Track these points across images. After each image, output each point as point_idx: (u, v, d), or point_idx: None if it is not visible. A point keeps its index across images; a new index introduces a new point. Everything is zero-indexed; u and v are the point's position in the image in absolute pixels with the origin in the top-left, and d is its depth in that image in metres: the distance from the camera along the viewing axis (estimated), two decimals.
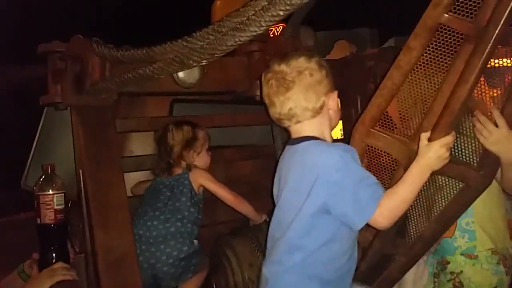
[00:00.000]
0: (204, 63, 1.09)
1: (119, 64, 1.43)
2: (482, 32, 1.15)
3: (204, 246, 1.87)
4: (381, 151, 1.36)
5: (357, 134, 1.38)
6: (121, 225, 1.54)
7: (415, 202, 1.39)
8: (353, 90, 2.07)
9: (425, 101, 1.28)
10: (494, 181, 1.37)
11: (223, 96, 2.13)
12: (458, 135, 1.30)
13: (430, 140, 1.22)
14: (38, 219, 1.47)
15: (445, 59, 1.23)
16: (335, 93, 1.27)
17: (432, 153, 1.19)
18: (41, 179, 1.49)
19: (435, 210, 1.38)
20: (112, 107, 1.65)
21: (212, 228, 2.07)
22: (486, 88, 1.26)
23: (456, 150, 1.31)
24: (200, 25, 1.06)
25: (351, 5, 6.65)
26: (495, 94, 1.29)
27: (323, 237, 1.18)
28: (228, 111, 2.27)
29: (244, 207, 1.86)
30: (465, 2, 1.18)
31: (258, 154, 2.27)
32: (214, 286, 1.94)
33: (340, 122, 2.01)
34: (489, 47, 1.13)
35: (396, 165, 1.35)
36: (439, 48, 1.23)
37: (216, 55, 1.03)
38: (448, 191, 1.35)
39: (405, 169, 1.23)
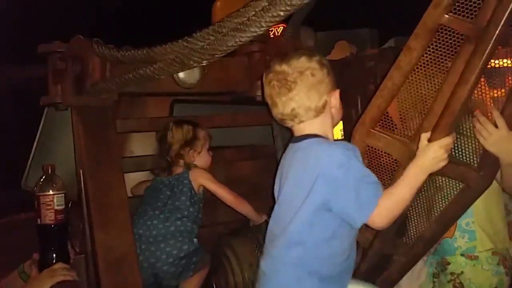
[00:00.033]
0: (204, 64, 1.10)
1: (120, 65, 1.43)
2: (482, 32, 1.15)
3: (204, 247, 1.87)
4: (381, 151, 1.36)
5: (357, 135, 1.39)
6: (121, 225, 1.54)
7: (416, 203, 1.39)
8: (353, 91, 2.07)
9: (425, 101, 1.28)
10: (494, 181, 1.37)
11: (224, 97, 2.13)
12: (458, 136, 1.30)
13: (430, 140, 1.22)
14: (39, 220, 1.47)
15: (446, 59, 1.23)
16: (337, 91, 1.27)
17: (431, 153, 1.19)
18: (42, 180, 1.49)
19: (435, 211, 1.38)
20: (112, 108, 1.65)
21: (212, 229, 2.07)
22: (486, 88, 1.26)
23: (456, 151, 1.31)
24: (200, 26, 1.07)
25: (351, 6, 6.66)
26: (495, 95, 1.29)
27: (324, 233, 1.18)
28: (229, 112, 2.27)
29: (244, 208, 1.86)
30: (465, 2, 1.18)
31: (258, 154, 2.27)
32: (214, 286, 1.94)
33: (340, 122, 2.01)
34: (489, 47, 1.13)
35: (396, 166, 1.35)
36: (439, 49, 1.23)
37: (216, 55, 1.03)
38: (448, 192, 1.35)
39: None
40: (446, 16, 1.20)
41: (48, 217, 1.46)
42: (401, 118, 1.34)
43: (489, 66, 1.19)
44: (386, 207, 1.14)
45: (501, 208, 1.60)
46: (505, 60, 1.26)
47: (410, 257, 1.48)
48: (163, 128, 1.90)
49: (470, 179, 1.29)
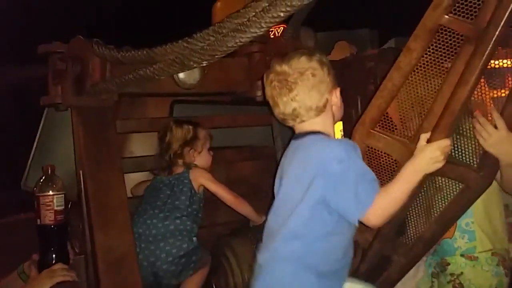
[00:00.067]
0: (204, 64, 1.10)
1: (120, 65, 1.44)
2: (482, 33, 1.15)
3: (204, 247, 1.87)
4: (381, 152, 1.36)
5: (357, 135, 1.39)
6: (121, 225, 1.54)
7: (415, 203, 1.39)
8: (353, 91, 2.07)
9: (425, 102, 1.28)
10: (493, 181, 1.37)
11: (224, 97, 2.14)
12: (458, 136, 1.30)
13: (429, 141, 1.22)
14: (38, 220, 1.47)
15: (445, 60, 1.23)
16: (338, 89, 1.28)
17: (428, 154, 1.19)
18: (41, 180, 1.49)
19: (435, 211, 1.38)
20: (112, 108, 1.65)
21: (212, 229, 2.07)
22: (486, 89, 1.26)
23: (456, 151, 1.31)
24: (200, 26, 1.07)
25: (351, 6, 6.66)
26: (495, 95, 1.29)
27: (322, 228, 1.18)
28: (229, 112, 2.28)
29: (244, 208, 1.86)
30: (465, 3, 1.18)
31: (258, 155, 2.27)
32: (214, 286, 1.94)
33: (340, 122, 2.01)
34: (489, 48, 1.13)
35: (396, 166, 1.35)
36: (439, 50, 1.23)
37: (216, 56, 1.03)
38: (448, 192, 1.35)
39: None
40: (446, 17, 1.20)
41: (48, 217, 1.46)
42: (401, 118, 1.34)
43: (489, 66, 1.19)
44: (381, 205, 1.14)
45: (500, 208, 1.60)
46: (505, 61, 1.26)
47: (410, 257, 1.48)
48: (164, 128, 1.90)
49: (470, 179, 1.29)
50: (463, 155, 1.31)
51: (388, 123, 1.35)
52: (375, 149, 1.38)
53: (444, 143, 1.19)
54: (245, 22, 0.92)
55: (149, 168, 2.00)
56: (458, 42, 1.21)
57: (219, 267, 1.91)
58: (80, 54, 1.55)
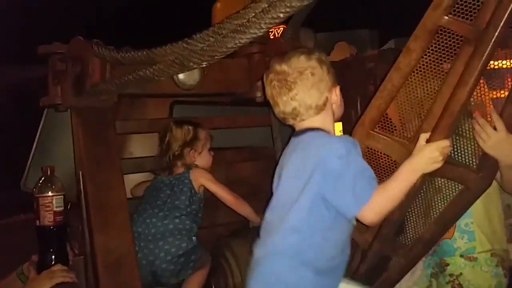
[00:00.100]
0: (204, 65, 1.10)
1: (120, 66, 1.44)
2: (481, 34, 1.15)
3: (204, 248, 1.87)
4: (380, 153, 1.36)
5: (357, 136, 1.38)
6: (121, 226, 1.54)
7: (415, 204, 1.39)
8: (353, 92, 2.07)
9: (425, 103, 1.28)
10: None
11: (223, 98, 2.14)
12: (457, 137, 1.30)
13: (428, 141, 1.22)
14: (37, 221, 1.47)
15: (445, 61, 1.23)
16: (337, 87, 1.28)
17: (427, 153, 1.19)
18: (41, 181, 1.49)
19: (434, 212, 1.37)
20: (112, 109, 1.65)
21: (211, 230, 2.07)
22: (486, 90, 1.26)
23: (456, 152, 1.31)
24: (200, 27, 1.07)
25: (351, 7, 6.67)
26: (494, 96, 1.29)
27: (320, 224, 1.18)
28: (228, 113, 2.27)
29: (244, 209, 1.86)
30: (464, 4, 1.18)
31: (258, 156, 2.27)
32: (213, 287, 1.94)
33: (340, 123, 2.01)
34: (488, 49, 1.13)
35: (395, 167, 1.35)
36: (438, 50, 1.23)
37: (216, 57, 1.03)
38: (448, 193, 1.34)
39: None
40: (446, 17, 1.20)
41: (47, 218, 1.46)
42: (400, 119, 1.34)
43: (488, 67, 1.19)
44: (378, 201, 1.14)
45: (499, 209, 1.60)
46: (504, 62, 1.26)
47: (410, 258, 1.47)
48: (164, 129, 1.90)
49: (469, 180, 1.29)
50: (463, 156, 1.31)
51: (388, 124, 1.35)
52: (374, 150, 1.37)
53: (443, 144, 1.19)
54: (244, 23, 0.93)
55: (149, 169, 2.00)
56: (458, 43, 1.21)
57: (218, 268, 1.90)
58: (80, 55, 1.55)
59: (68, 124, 1.67)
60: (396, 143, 1.33)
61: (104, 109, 1.62)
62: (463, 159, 1.31)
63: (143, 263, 1.72)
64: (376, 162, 1.37)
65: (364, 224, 1.26)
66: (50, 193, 1.46)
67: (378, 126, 1.36)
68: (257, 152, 2.29)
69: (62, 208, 1.49)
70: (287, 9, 0.84)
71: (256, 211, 1.88)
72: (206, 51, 1.03)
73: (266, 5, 0.88)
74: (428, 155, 1.19)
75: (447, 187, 1.34)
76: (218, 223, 2.12)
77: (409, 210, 1.40)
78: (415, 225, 1.42)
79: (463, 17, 1.19)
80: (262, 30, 0.90)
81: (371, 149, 1.38)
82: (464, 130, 1.30)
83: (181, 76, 1.62)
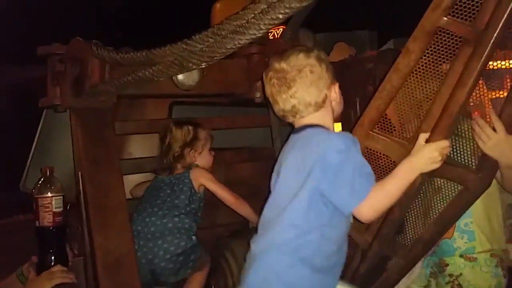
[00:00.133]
0: (203, 66, 1.10)
1: (119, 67, 1.44)
2: (480, 35, 1.15)
3: (203, 248, 1.87)
4: (380, 153, 1.37)
5: (356, 136, 1.38)
6: (120, 227, 1.54)
7: (414, 205, 1.39)
8: (352, 92, 2.07)
9: (424, 103, 1.28)
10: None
11: (223, 98, 2.14)
12: (457, 138, 1.30)
13: (428, 141, 1.22)
14: (37, 222, 1.47)
15: (444, 62, 1.24)
16: (336, 85, 1.29)
17: (426, 153, 1.20)
18: (40, 182, 1.49)
19: (434, 213, 1.38)
20: (111, 110, 1.65)
21: (211, 230, 2.07)
22: (485, 91, 1.26)
23: (455, 153, 1.31)
24: (199, 28, 1.07)
25: (350, 7, 6.67)
26: (493, 97, 1.30)
27: (317, 220, 1.18)
28: (228, 114, 2.27)
29: (244, 209, 1.86)
30: (463, 5, 1.18)
31: (258, 156, 2.27)
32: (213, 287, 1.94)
33: (339, 124, 2.01)
34: (487, 50, 1.13)
35: (394, 168, 1.35)
36: (437, 51, 1.23)
37: (215, 58, 1.03)
38: (447, 194, 1.35)
39: None
40: (445, 18, 1.21)
41: (47, 219, 1.46)
42: (399, 120, 1.34)
43: (487, 68, 1.19)
44: (375, 198, 1.15)
45: (498, 209, 1.60)
46: (503, 63, 1.26)
47: (409, 259, 1.48)
48: (164, 129, 1.91)
49: (469, 181, 1.29)
50: (462, 156, 1.31)
51: (387, 124, 1.36)
52: (373, 151, 1.38)
53: (443, 144, 1.20)
54: (244, 24, 0.93)
55: (148, 170, 2.00)
56: (457, 44, 1.21)
57: (218, 268, 1.91)
58: (79, 56, 1.55)
59: (68, 125, 1.67)
60: (395, 144, 1.33)
61: (103, 109, 1.62)
62: (463, 159, 1.31)
63: (142, 261, 1.72)
64: (376, 163, 1.37)
65: (362, 223, 1.26)
66: (49, 194, 1.46)
67: (377, 127, 1.36)
68: (256, 153, 2.29)
69: (62, 209, 1.48)
70: (286, 10, 0.84)
71: (256, 212, 1.88)
72: (206, 52, 1.03)
73: (265, 6, 0.88)
74: (427, 155, 1.19)
75: (446, 188, 1.34)
76: (218, 223, 2.12)
77: (409, 210, 1.40)
78: (415, 225, 1.42)
79: (462, 18, 1.19)
80: (261, 31, 0.90)
81: (370, 149, 1.38)
82: (463, 131, 1.31)
83: (180, 76, 1.62)
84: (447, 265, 1.57)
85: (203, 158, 1.91)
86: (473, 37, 1.18)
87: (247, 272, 1.24)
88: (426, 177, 1.28)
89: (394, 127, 1.36)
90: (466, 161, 1.31)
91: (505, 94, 1.27)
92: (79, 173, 1.56)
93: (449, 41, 1.22)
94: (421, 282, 1.64)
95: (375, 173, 1.34)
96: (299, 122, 1.29)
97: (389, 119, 1.36)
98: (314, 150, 1.19)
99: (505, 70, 1.27)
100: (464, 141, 1.31)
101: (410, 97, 1.30)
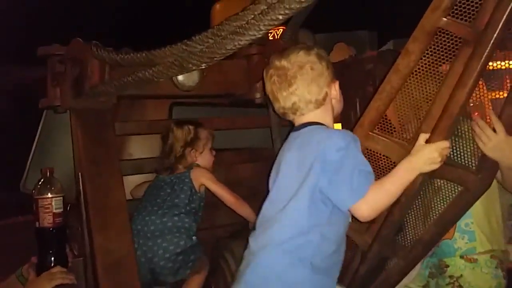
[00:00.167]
0: (203, 67, 1.10)
1: (119, 67, 1.44)
2: (480, 36, 1.15)
3: (203, 249, 1.87)
4: (380, 154, 1.36)
5: None
6: (120, 228, 1.54)
7: (414, 205, 1.39)
8: (352, 93, 2.07)
9: (424, 104, 1.28)
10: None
11: (222, 99, 2.14)
12: (456, 138, 1.30)
13: (428, 142, 1.22)
14: (37, 223, 1.47)
15: (444, 63, 1.24)
16: (337, 83, 1.30)
17: (426, 153, 1.20)
18: (40, 183, 1.49)
19: (434, 214, 1.37)
20: (111, 110, 1.66)
21: (211, 231, 2.07)
22: (485, 91, 1.26)
23: (455, 153, 1.31)
24: (199, 28, 1.07)
25: (350, 8, 6.67)
26: (493, 98, 1.30)
27: (317, 219, 1.18)
28: (227, 114, 2.27)
29: (244, 209, 1.86)
30: (463, 6, 1.18)
31: (257, 157, 2.27)
32: None
33: (339, 125, 2.01)
34: (487, 51, 1.13)
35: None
36: (437, 52, 1.23)
37: (215, 58, 1.03)
38: (447, 194, 1.34)
39: None
40: (444, 19, 1.20)
41: (47, 220, 1.46)
42: (399, 121, 1.34)
43: (487, 69, 1.19)
44: (374, 196, 1.15)
45: (497, 209, 1.61)
46: (503, 63, 1.26)
47: (409, 260, 1.47)
48: (166, 130, 1.91)
49: (469, 182, 1.29)
50: (462, 157, 1.31)
51: (387, 125, 1.35)
52: (373, 151, 1.37)
53: (443, 145, 1.20)
54: (244, 25, 0.93)
55: (148, 170, 2.01)
56: (457, 45, 1.21)
57: (218, 269, 1.90)
58: (79, 57, 1.55)
59: (67, 126, 1.67)
60: (395, 145, 1.33)
61: (103, 110, 1.63)
62: (463, 160, 1.31)
63: (142, 260, 1.73)
64: (375, 163, 1.37)
65: (362, 224, 1.26)
66: (49, 195, 1.46)
67: (377, 128, 1.36)
68: (256, 153, 2.29)
69: (62, 210, 1.48)
70: (286, 11, 0.84)
71: (256, 212, 1.88)
72: (205, 52, 1.03)
73: (265, 7, 0.88)
74: (427, 155, 1.19)
75: (446, 188, 1.34)
76: (218, 224, 2.12)
77: (409, 211, 1.40)
78: (415, 226, 1.42)
79: (461, 19, 1.19)
80: (261, 32, 0.90)
81: (370, 150, 1.38)
82: (463, 132, 1.30)
83: (180, 77, 1.62)
84: (447, 266, 1.57)
85: (204, 157, 1.92)
86: (473, 37, 1.18)
87: (245, 270, 1.23)
88: (426, 178, 1.28)
89: (394, 128, 1.35)
90: (466, 162, 1.31)
91: (505, 94, 1.27)
92: (79, 173, 1.56)
93: (449, 42, 1.22)
94: (419, 282, 1.64)
95: (375, 174, 1.34)
96: (299, 119, 1.29)
97: (389, 120, 1.36)
98: (314, 147, 1.19)
99: (505, 71, 1.27)
100: (464, 142, 1.31)
101: (410, 98, 1.30)
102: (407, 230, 1.43)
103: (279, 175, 1.27)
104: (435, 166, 1.20)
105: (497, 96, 1.29)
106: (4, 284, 1.51)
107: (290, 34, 1.95)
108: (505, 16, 1.10)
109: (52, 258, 1.47)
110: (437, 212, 1.37)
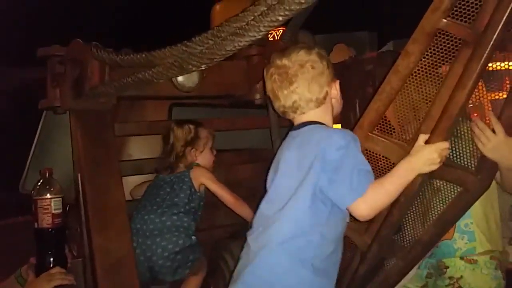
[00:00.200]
0: (203, 68, 1.10)
1: (119, 68, 1.44)
2: (480, 37, 1.15)
3: (203, 250, 1.87)
4: (379, 155, 1.36)
5: None
6: (119, 228, 1.54)
7: (413, 206, 1.39)
8: (352, 94, 2.07)
9: (424, 105, 1.28)
10: None
11: (222, 100, 2.14)
12: (456, 139, 1.30)
13: (427, 143, 1.22)
14: (36, 223, 1.47)
15: (444, 64, 1.24)
16: (337, 82, 1.30)
17: (425, 154, 1.20)
18: (39, 183, 1.49)
19: (433, 214, 1.37)
20: (111, 111, 1.66)
21: (211, 232, 2.07)
22: (484, 92, 1.26)
23: (454, 154, 1.31)
24: (199, 30, 1.07)
25: (350, 9, 6.68)
26: (493, 99, 1.30)
27: (316, 219, 1.18)
28: (227, 115, 2.28)
29: (243, 210, 1.86)
30: (463, 7, 1.19)
31: (257, 158, 2.28)
32: None
33: (339, 125, 2.01)
34: (486, 52, 1.13)
35: None
36: (437, 53, 1.23)
37: (215, 60, 1.03)
38: (446, 195, 1.35)
39: None
40: (444, 20, 1.21)
41: (46, 221, 1.45)
42: (399, 122, 1.34)
43: (487, 70, 1.19)
44: (373, 195, 1.15)
45: (496, 209, 1.60)
46: (502, 64, 1.26)
47: (409, 260, 1.47)
48: (167, 129, 1.92)
49: (468, 182, 1.29)
50: (461, 158, 1.31)
51: (386, 126, 1.36)
52: (373, 152, 1.37)
53: (442, 146, 1.20)
54: (243, 26, 0.93)
55: (148, 171, 2.01)
56: (456, 46, 1.21)
57: (217, 270, 1.90)
58: (78, 57, 1.55)
59: (67, 126, 1.67)
60: (395, 146, 1.33)
61: (103, 111, 1.63)
62: (462, 161, 1.31)
63: (141, 259, 1.74)
64: (375, 164, 1.37)
65: (361, 225, 1.26)
66: (48, 196, 1.46)
67: (377, 129, 1.36)
68: (256, 154, 2.29)
69: (61, 211, 1.48)
70: (286, 12, 0.84)
71: (255, 212, 1.88)
72: (205, 53, 1.03)
73: (265, 8, 0.88)
74: (427, 156, 1.19)
75: (445, 189, 1.34)
76: (217, 225, 2.12)
77: (408, 212, 1.40)
78: (414, 227, 1.42)
79: (461, 20, 1.19)
80: (261, 33, 0.91)
81: (370, 151, 1.38)
82: (462, 132, 1.31)
83: (180, 78, 1.62)
84: (447, 267, 1.57)
85: (205, 157, 1.92)
86: (472, 39, 1.18)
87: (243, 270, 1.23)
88: (426, 179, 1.28)
89: (393, 128, 1.36)
90: (466, 162, 1.31)
91: (505, 95, 1.27)
92: (78, 174, 1.56)
93: (448, 43, 1.22)
94: (417, 282, 1.64)
95: (374, 175, 1.34)
96: (299, 118, 1.29)
97: (389, 121, 1.36)
98: (314, 147, 1.19)
99: (505, 72, 1.28)
100: (463, 143, 1.31)
101: (410, 99, 1.30)
102: (406, 231, 1.43)
103: (277, 174, 1.27)
104: (435, 167, 1.20)
105: (497, 97, 1.30)
106: (3, 285, 1.51)
107: (290, 35, 1.95)
108: (504, 18, 1.10)
109: (51, 259, 1.47)
110: (436, 213, 1.37)
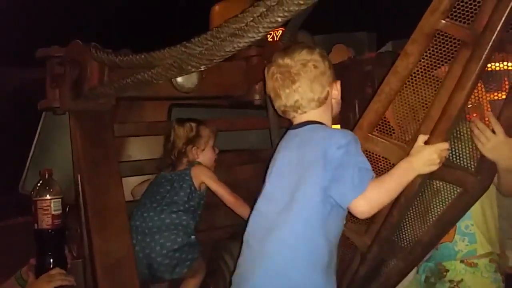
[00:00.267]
0: (202, 69, 1.10)
1: (118, 69, 1.44)
2: (479, 38, 1.16)
3: (203, 250, 1.87)
4: (379, 156, 1.37)
5: None
6: (119, 229, 1.54)
7: (413, 207, 1.39)
8: (351, 94, 2.07)
9: (423, 106, 1.28)
10: None
11: (222, 101, 2.14)
12: (455, 140, 1.30)
13: (427, 144, 1.23)
14: (36, 224, 1.47)
15: (443, 64, 1.24)
16: (338, 83, 1.31)
17: (425, 155, 1.20)
18: (39, 184, 1.49)
19: (433, 215, 1.38)
20: (110, 112, 1.66)
21: (210, 233, 2.07)
22: (484, 93, 1.26)
23: (454, 155, 1.31)
24: (198, 30, 1.07)
25: (349, 9, 6.68)
26: (492, 99, 1.30)
27: (320, 219, 1.18)
28: (227, 116, 2.28)
29: (243, 210, 1.86)
30: (462, 8, 1.19)
31: (257, 158, 2.27)
32: None
33: (338, 126, 2.02)
34: (485, 53, 1.14)
35: None
36: (436, 54, 1.23)
37: (214, 60, 1.04)
38: (446, 196, 1.35)
39: None
40: (443, 21, 1.21)
41: (45, 222, 1.45)
42: (398, 122, 1.34)
43: (486, 70, 1.20)
44: (372, 193, 1.15)
45: (494, 210, 1.60)
46: (502, 65, 1.26)
47: (409, 261, 1.47)
48: (169, 128, 1.93)
49: (468, 183, 1.29)
50: (461, 158, 1.31)
51: (386, 127, 1.36)
52: (373, 153, 1.38)
53: (442, 146, 1.20)
54: (243, 27, 0.93)
55: (147, 172, 2.01)
56: (455, 47, 1.22)
57: (217, 270, 1.90)
58: (78, 58, 1.55)
59: (66, 127, 1.67)
60: (394, 146, 1.34)
61: (102, 112, 1.63)
62: (461, 162, 1.31)
63: (139, 256, 1.73)
64: (375, 165, 1.37)
65: (361, 226, 1.26)
66: (48, 196, 1.46)
67: (376, 129, 1.36)
68: (256, 155, 2.29)
69: (60, 211, 1.48)
70: (285, 14, 0.84)
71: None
72: (205, 54, 1.04)
73: (264, 9, 0.88)
74: (426, 157, 1.20)
75: (445, 190, 1.34)
76: (217, 225, 2.12)
77: (408, 212, 1.40)
78: (414, 228, 1.42)
79: (460, 21, 1.20)
80: (260, 34, 0.91)
81: (369, 152, 1.38)
82: (462, 133, 1.31)
83: (179, 79, 1.62)
84: (447, 271, 1.56)
85: (206, 155, 1.92)
86: (471, 39, 1.18)
87: (253, 270, 1.21)
88: (425, 179, 1.29)
89: (393, 129, 1.36)
90: (465, 163, 1.31)
91: (504, 96, 1.27)
92: (78, 175, 1.56)
93: (447, 44, 1.22)
94: (415, 287, 1.63)
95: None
96: (299, 118, 1.29)
97: (388, 122, 1.36)
98: (314, 146, 1.19)
99: (504, 72, 1.28)
100: (463, 144, 1.31)
101: (409, 99, 1.30)
102: (406, 232, 1.43)
103: (276, 173, 1.27)
104: (434, 168, 1.20)
105: (496, 97, 1.30)
106: (3, 287, 1.51)
107: (289, 35, 1.95)
108: (503, 18, 1.10)
109: (51, 260, 1.47)
110: (436, 214, 1.37)
